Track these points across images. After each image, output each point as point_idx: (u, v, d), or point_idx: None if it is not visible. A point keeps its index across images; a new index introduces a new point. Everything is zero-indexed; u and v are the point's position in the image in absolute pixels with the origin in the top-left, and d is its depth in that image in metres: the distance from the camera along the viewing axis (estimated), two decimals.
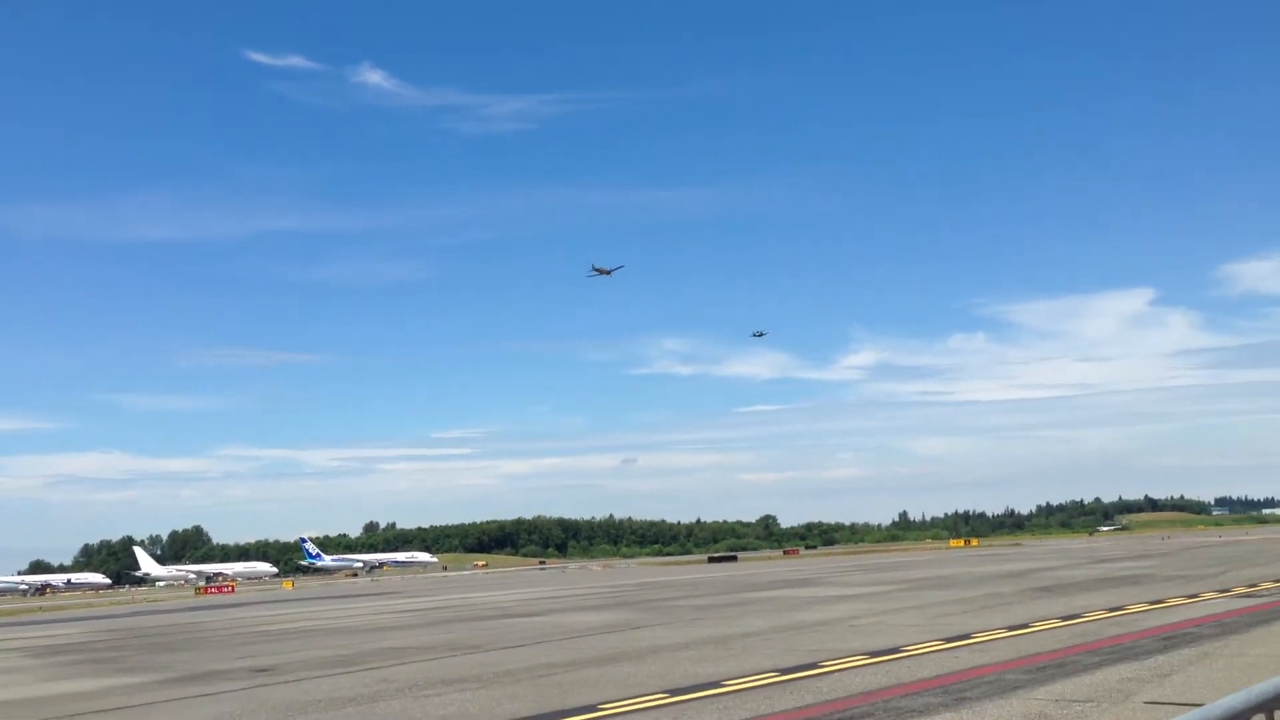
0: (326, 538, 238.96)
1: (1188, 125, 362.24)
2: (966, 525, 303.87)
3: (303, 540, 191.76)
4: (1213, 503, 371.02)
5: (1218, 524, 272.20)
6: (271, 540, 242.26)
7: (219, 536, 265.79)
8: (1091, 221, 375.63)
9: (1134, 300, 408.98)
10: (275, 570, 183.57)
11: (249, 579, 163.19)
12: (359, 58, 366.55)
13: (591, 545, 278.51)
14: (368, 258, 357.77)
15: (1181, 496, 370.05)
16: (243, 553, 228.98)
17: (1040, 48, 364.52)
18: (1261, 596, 21.64)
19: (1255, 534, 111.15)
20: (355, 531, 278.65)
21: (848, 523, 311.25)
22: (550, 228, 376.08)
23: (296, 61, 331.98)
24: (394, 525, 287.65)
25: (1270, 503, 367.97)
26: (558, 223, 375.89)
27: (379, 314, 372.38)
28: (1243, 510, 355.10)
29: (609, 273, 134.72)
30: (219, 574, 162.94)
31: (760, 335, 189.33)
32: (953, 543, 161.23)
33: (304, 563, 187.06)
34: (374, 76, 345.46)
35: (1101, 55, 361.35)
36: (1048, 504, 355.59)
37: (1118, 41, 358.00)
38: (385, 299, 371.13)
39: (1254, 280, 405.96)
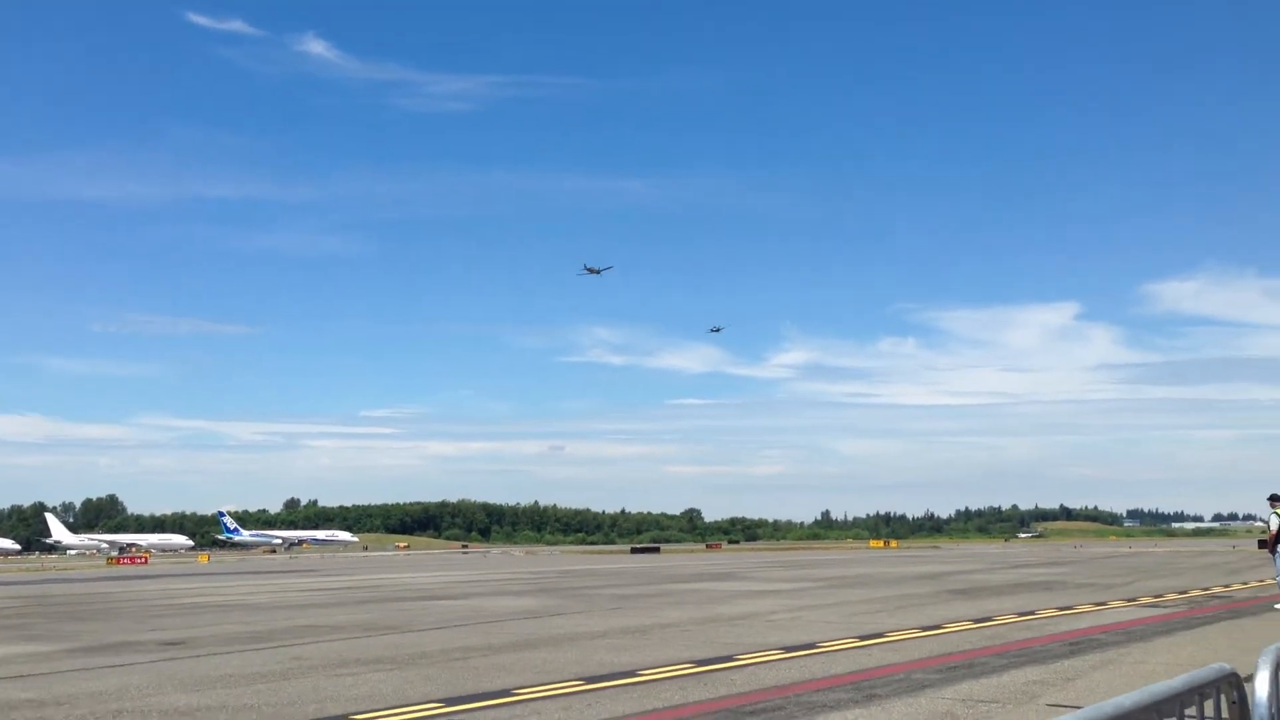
0: (246, 512, 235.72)
1: (1119, 146, 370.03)
2: (887, 526, 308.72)
3: (221, 514, 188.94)
4: (1125, 514, 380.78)
5: (1129, 535, 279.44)
6: (189, 513, 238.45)
7: (134, 507, 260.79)
8: (1022, 235, 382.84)
9: (1059, 314, 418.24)
10: (191, 543, 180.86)
11: (163, 551, 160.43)
12: (302, 26, 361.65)
13: (515, 531, 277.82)
14: (300, 230, 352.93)
15: (1095, 507, 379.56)
16: (158, 524, 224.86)
17: (981, 63, 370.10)
18: (1166, 607, 22.22)
19: (1163, 546, 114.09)
20: (276, 507, 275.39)
21: (771, 519, 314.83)
22: (489, 211, 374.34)
23: (238, 26, 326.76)
24: (315, 503, 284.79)
25: (1180, 516, 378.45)
26: (496, 206, 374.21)
27: (309, 288, 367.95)
28: (1153, 523, 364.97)
29: (598, 272, 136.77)
30: (132, 545, 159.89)
31: (717, 331, 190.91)
32: (873, 543, 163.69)
33: (221, 537, 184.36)
34: (317, 46, 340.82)
35: (1037, 72, 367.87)
36: (967, 509, 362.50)
37: (1054, 59, 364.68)
38: (316, 273, 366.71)
39: (1174, 300, 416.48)
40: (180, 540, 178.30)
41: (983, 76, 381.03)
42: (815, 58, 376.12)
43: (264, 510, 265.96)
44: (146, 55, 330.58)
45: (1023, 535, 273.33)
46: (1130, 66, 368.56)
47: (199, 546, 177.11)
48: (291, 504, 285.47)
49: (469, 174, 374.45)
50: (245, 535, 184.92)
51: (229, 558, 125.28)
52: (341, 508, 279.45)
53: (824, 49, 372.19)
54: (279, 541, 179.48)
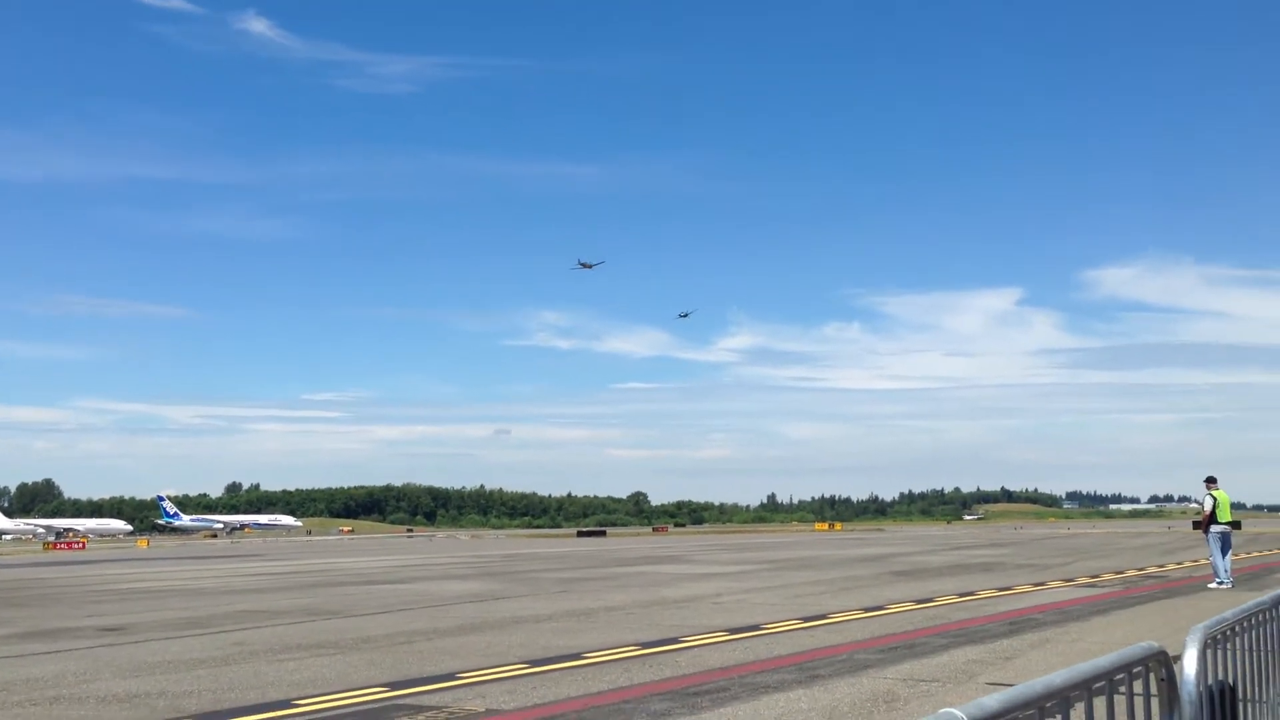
0: (186, 497, 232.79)
1: (1061, 134, 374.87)
2: (832, 509, 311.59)
3: (160, 498, 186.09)
4: (1064, 496, 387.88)
5: (1068, 517, 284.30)
6: (127, 497, 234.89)
7: (71, 491, 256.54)
8: (966, 221, 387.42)
9: (1002, 299, 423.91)
10: (130, 528, 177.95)
11: (101, 536, 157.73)
12: (243, 4, 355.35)
13: (461, 515, 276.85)
14: (240, 212, 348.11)
15: (1035, 489, 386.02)
16: (96, 509, 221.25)
17: (926, 50, 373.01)
18: (1103, 587, 22.65)
19: (1101, 528, 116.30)
20: (217, 492, 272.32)
21: (717, 503, 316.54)
22: (433, 194, 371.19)
23: (178, 3, 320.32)
24: (258, 487, 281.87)
25: (1117, 498, 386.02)
26: (440, 190, 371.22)
27: (250, 270, 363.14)
28: (1091, 505, 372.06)
29: (591, 266, 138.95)
30: (69, 529, 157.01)
31: (685, 316, 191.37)
32: (818, 526, 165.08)
33: (161, 522, 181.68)
34: (258, 25, 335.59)
35: (983, 61, 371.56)
36: (910, 492, 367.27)
37: (998, 49, 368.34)
38: (257, 255, 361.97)
39: (1114, 286, 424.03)
40: (118, 525, 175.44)
41: (929, 64, 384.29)
42: (763, 43, 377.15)
43: (205, 495, 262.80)
44: (82, 32, 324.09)
45: (968, 518, 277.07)
46: (1073, 57, 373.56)
47: (138, 532, 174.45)
48: (233, 488, 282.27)
49: (412, 156, 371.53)
50: (185, 520, 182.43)
51: (169, 543, 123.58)
52: (284, 492, 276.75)
53: (771, 34, 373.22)
54: (220, 526, 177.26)
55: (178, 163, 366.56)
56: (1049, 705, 2.35)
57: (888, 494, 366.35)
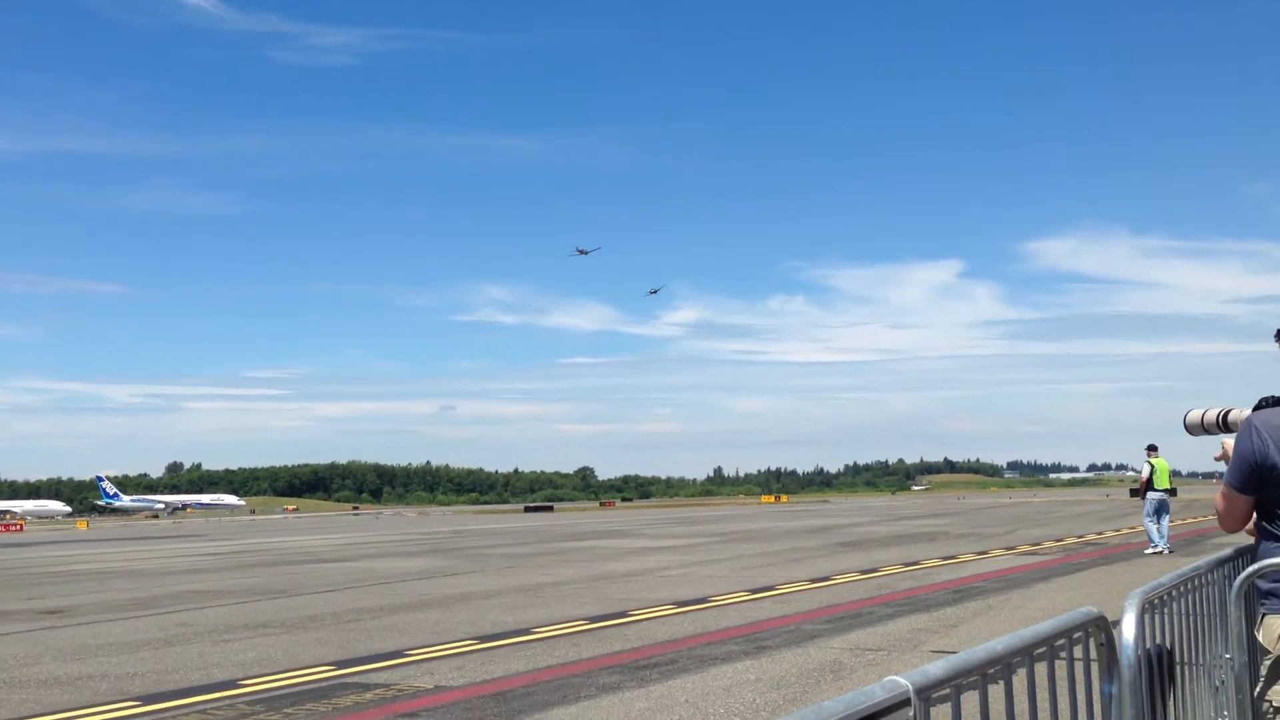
0: (126, 477, 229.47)
1: (998, 106, 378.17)
2: (778, 482, 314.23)
3: (99, 479, 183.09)
4: (1005, 466, 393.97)
5: (1009, 486, 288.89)
6: (65, 478, 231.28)
7: (7, 473, 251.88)
8: (908, 194, 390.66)
9: (943, 271, 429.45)
10: (68, 509, 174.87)
11: (39, 518, 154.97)
12: None
13: (407, 492, 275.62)
14: (176, 187, 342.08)
15: (977, 460, 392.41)
16: (33, 490, 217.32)
17: (863, 24, 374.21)
18: (1044, 554, 23.06)
19: (1042, 496, 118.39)
20: (157, 472, 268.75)
21: (664, 477, 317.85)
22: (373, 168, 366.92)
23: None
24: (199, 466, 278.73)
25: (1057, 468, 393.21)
26: (381, 163, 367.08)
27: (186, 246, 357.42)
28: (1032, 474, 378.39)
29: (587, 253, 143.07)
30: (6, 511, 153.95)
31: (655, 292, 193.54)
32: (764, 498, 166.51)
33: (100, 502, 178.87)
34: None
35: (919, 34, 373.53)
36: (855, 463, 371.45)
37: (937, 22, 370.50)
38: (196, 230, 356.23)
39: (1053, 257, 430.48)
40: (57, 507, 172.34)
41: (869, 38, 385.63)
42: (704, 16, 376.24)
43: (145, 475, 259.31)
44: (12, 4, 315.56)
45: (915, 489, 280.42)
46: (1008, 32, 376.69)
47: (77, 513, 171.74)
48: (174, 468, 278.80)
49: (352, 130, 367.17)
50: (126, 501, 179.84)
51: (109, 524, 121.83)
52: (227, 471, 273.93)
53: (712, 7, 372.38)
54: (161, 506, 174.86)
55: (112, 137, 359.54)
56: (991, 671, 2.38)
57: (833, 466, 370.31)
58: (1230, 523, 3.88)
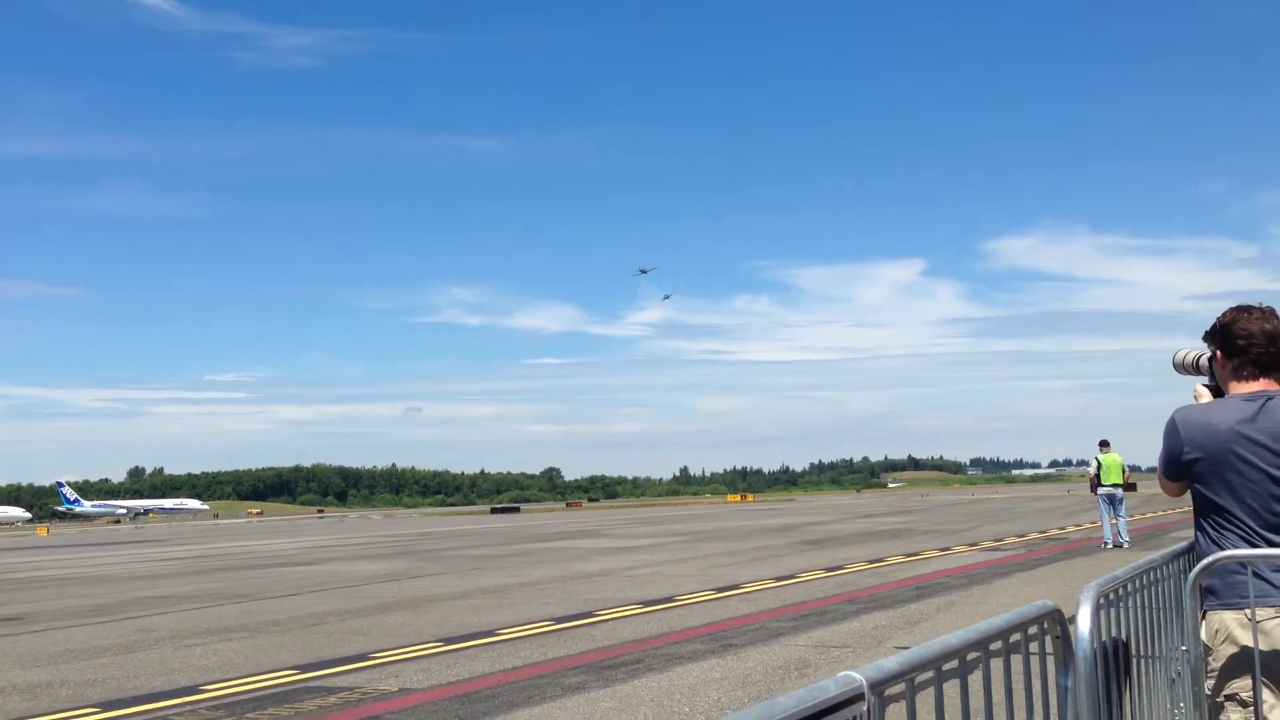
0: (87, 482, 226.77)
1: (960, 106, 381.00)
2: (744, 481, 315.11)
3: (60, 484, 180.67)
4: (968, 463, 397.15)
5: (972, 483, 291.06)
6: (25, 484, 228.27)
7: None
8: (870, 193, 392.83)
9: (906, 270, 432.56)
10: (28, 515, 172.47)
11: None
12: None
13: (373, 494, 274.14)
14: (136, 190, 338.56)
15: (941, 457, 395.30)
16: None
17: (827, 27, 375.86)
18: (1006, 550, 23.26)
19: (1004, 492, 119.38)
20: (119, 476, 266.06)
21: (630, 477, 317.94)
22: (334, 170, 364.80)
23: None
24: (161, 470, 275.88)
25: (1019, 464, 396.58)
26: (343, 165, 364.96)
27: (149, 248, 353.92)
28: (994, 470, 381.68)
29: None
30: None
31: (645, 272, 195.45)
32: (730, 498, 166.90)
33: (61, 508, 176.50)
34: None
35: (880, 35, 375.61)
36: (820, 461, 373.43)
37: (898, 22, 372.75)
38: (156, 233, 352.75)
39: (1014, 256, 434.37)
40: (16, 513, 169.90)
41: (830, 39, 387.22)
42: (669, 17, 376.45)
43: (106, 480, 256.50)
44: None
45: (892, 485, 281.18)
46: (969, 31, 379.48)
47: (37, 519, 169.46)
48: (136, 473, 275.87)
49: (314, 131, 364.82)
50: (87, 506, 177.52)
51: (70, 530, 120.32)
52: (190, 475, 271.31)
53: (678, 10, 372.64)
54: (123, 511, 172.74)
55: (72, 139, 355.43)
56: (947, 665, 2.40)
57: (798, 464, 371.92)
58: (1169, 495, 4.18)
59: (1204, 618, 3.88)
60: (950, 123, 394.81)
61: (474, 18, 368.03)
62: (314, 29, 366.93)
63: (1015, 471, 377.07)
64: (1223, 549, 3.79)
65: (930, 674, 2.33)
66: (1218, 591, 3.79)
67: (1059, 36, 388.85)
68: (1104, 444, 23.16)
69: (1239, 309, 3.97)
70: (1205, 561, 3.80)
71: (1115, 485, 22.84)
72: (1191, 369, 4.45)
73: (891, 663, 2.14)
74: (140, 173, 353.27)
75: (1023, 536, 28.09)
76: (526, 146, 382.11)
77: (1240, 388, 3.91)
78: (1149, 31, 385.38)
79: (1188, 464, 3.90)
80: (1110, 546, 22.02)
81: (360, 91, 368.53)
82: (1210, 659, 3.81)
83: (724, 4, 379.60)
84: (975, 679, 2.57)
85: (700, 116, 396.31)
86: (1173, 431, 3.96)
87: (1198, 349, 4.37)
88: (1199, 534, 3.96)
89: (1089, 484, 23.49)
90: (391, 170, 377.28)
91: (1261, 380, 3.89)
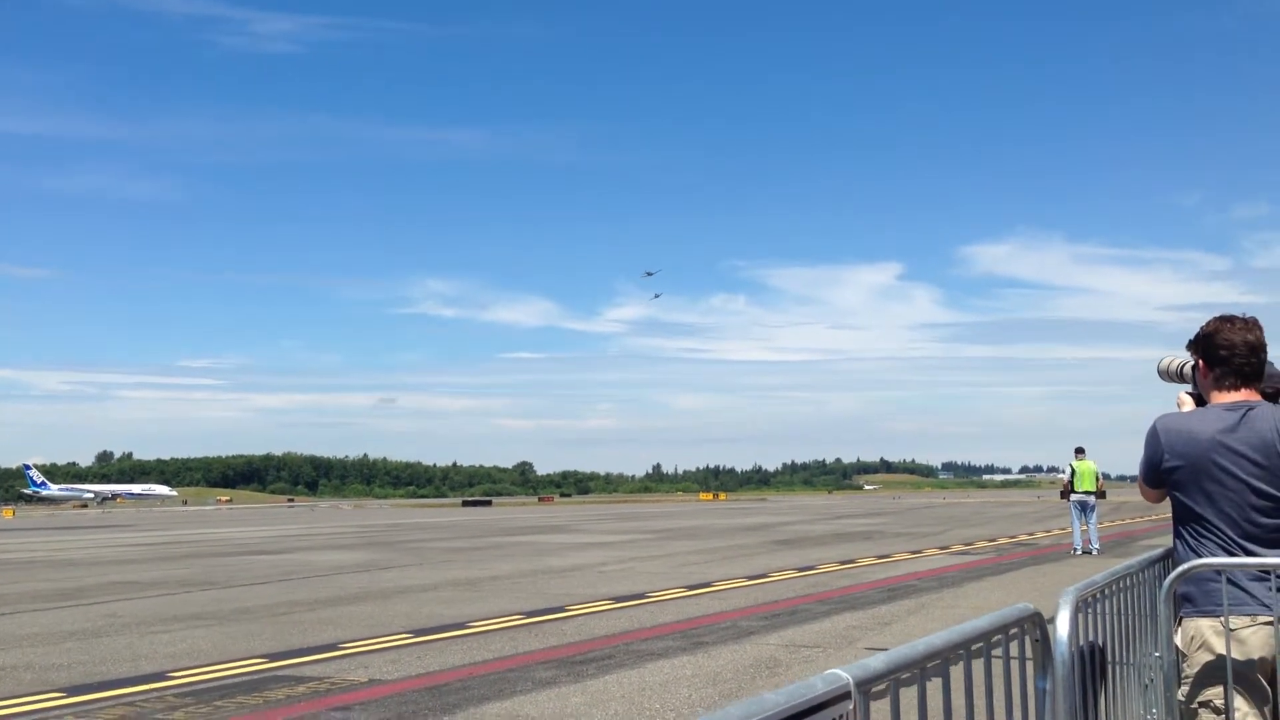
0: (54, 466, 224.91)
1: (939, 112, 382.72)
2: (716, 479, 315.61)
3: (26, 467, 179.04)
4: (940, 467, 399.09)
5: (943, 487, 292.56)
6: None
7: None
8: (848, 196, 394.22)
9: (883, 274, 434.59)
10: None
11: None
12: None
13: (344, 484, 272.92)
14: (111, 172, 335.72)
15: (913, 460, 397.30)
16: None
17: (808, 29, 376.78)
18: (976, 554, 23.38)
19: (975, 497, 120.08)
20: (87, 460, 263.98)
21: (603, 473, 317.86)
22: (313, 157, 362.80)
23: None
24: (130, 455, 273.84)
25: (990, 469, 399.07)
26: (322, 153, 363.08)
27: (123, 231, 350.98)
28: (966, 475, 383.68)
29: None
30: None
31: (651, 275, 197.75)
32: (702, 496, 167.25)
33: (27, 491, 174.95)
34: None
35: (862, 39, 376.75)
36: (793, 462, 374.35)
37: (878, 25, 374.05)
38: (131, 215, 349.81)
39: (990, 262, 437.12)
40: None
41: (811, 42, 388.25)
42: (654, 14, 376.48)
43: (74, 463, 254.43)
44: None
45: (868, 488, 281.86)
46: (946, 36, 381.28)
47: (2, 501, 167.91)
48: (104, 457, 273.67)
49: (294, 118, 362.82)
50: (53, 489, 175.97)
51: (36, 513, 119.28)
52: (159, 461, 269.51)
53: (661, 7, 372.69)
54: (91, 496, 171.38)
55: (48, 118, 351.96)
56: (930, 665, 2.40)
57: (771, 464, 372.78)
58: (1150, 502, 4.18)
59: (1179, 625, 3.89)
60: (929, 129, 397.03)
61: (457, 9, 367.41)
62: (297, 15, 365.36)
63: (986, 476, 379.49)
64: (1201, 557, 3.81)
65: (914, 673, 2.32)
66: (1194, 599, 3.81)
67: (1041, 47, 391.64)
68: (1079, 451, 23.33)
69: (1222, 319, 3.98)
70: (1180, 569, 3.82)
71: (1088, 492, 23.01)
72: (1176, 376, 4.47)
73: (877, 661, 2.14)
74: (116, 154, 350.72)
75: (993, 541, 28.24)
76: (508, 139, 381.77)
77: (1222, 397, 3.93)
78: (1129, 43, 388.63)
79: (1168, 471, 3.91)
80: (1080, 553, 22.18)
81: (342, 80, 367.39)
82: (1185, 665, 3.83)
83: (709, 3, 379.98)
84: (956, 679, 2.56)
85: (682, 115, 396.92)
86: (1154, 439, 3.97)
87: (1182, 356, 4.39)
88: (1177, 541, 3.97)
89: (1060, 490, 23.65)
90: (371, 160, 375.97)
91: (1243, 390, 3.90)
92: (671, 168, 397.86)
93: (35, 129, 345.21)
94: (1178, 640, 3.87)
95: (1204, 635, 3.76)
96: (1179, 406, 4.18)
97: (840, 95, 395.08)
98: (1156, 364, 4.58)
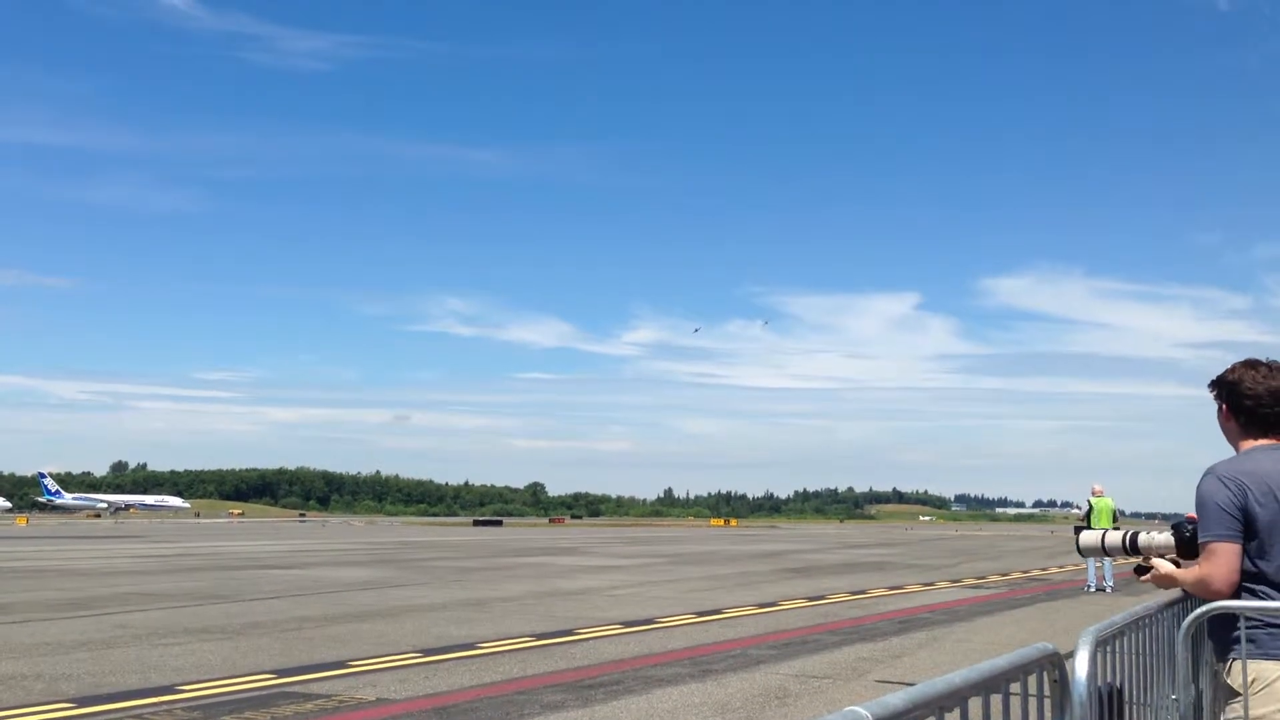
0: (69, 475, 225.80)
1: (960, 142, 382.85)
2: (727, 505, 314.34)
3: (41, 475, 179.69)
4: (953, 499, 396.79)
5: (955, 519, 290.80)
6: (6, 473, 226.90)
7: None
8: (869, 225, 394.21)
9: (901, 303, 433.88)
10: (8, 505, 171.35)
11: None
12: None
13: (355, 501, 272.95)
14: (136, 183, 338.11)
15: (926, 491, 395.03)
16: None
17: (831, 53, 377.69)
18: (988, 588, 23.22)
19: (988, 530, 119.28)
20: (101, 470, 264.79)
21: (614, 495, 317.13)
22: (337, 173, 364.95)
23: None
24: (145, 466, 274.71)
25: (1003, 502, 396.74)
26: (343, 169, 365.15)
27: (145, 242, 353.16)
28: (979, 507, 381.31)
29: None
30: None
31: (698, 330, 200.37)
32: (713, 521, 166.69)
33: (42, 499, 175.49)
34: None
35: (885, 67, 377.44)
36: (805, 490, 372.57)
37: (900, 53, 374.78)
38: (153, 227, 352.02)
39: (1008, 295, 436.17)
40: None
41: (835, 68, 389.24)
42: (675, 37, 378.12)
43: (88, 473, 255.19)
44: None
45: (924, 519, 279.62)
46: (970, 67, 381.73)
47: (17, 509, 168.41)
48: (119, 467, 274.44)
49: (317, 134, 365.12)
50: (67, 498, 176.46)
51: (49, 521, 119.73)
52: (173, 472, 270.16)
53: (683, 30, 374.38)
54: (104, 506, 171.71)
55: (74, 130, 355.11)
56: (948, 704, 2.38)
57: (783, 491, 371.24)
58: (1223, 582, 3.71)
59: (1228, 666, 3.80)
60: (950, 160, 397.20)
61: (485, 29, 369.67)
62: (326, 33, 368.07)
63: (999, 509, 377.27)
64: (1258, 599, 3.72)
65: (932, 712, 2.30)
66: (1259, 641, 3.70)
67: (1067, 83, 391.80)
68: (1097, 489, 23.15)
69: (1247, 364, 3.91)
70: (1206, 608, 3.75)
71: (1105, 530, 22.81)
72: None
73: (896, 699, 2.11)
74: (140, 166, 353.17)
75: (1005, 575, 28.06)
76: (528, 160, 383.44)
77: (1252, 443, 3.87)
78: (1154, 81, 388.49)
79: (1250, 517, 3.65)
80: (1094, 590, 22.00)
81: (366, 97, 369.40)
82: (1231, 706, 3.73)
83: (730, 27, 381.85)
84: (973, 717, 2.54)
85: (702, 138, 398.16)
86: (1228, 483, 3.71)
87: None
88: (1244, 593, 3.77)
89: (1074, 526, 23.44)
90: (392, 177, 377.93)
91: (1271, 437, 3.85)
92: (692, 191, 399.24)
93: (61, 140, 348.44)
94: (1231, 681, 3.76)
95: (1268, 677, 3.67)
96: (1155, 569, 4.02)
97: (863, 124, 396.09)
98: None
